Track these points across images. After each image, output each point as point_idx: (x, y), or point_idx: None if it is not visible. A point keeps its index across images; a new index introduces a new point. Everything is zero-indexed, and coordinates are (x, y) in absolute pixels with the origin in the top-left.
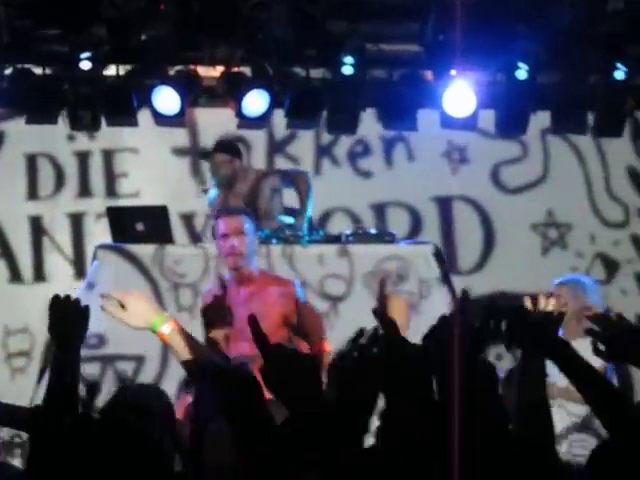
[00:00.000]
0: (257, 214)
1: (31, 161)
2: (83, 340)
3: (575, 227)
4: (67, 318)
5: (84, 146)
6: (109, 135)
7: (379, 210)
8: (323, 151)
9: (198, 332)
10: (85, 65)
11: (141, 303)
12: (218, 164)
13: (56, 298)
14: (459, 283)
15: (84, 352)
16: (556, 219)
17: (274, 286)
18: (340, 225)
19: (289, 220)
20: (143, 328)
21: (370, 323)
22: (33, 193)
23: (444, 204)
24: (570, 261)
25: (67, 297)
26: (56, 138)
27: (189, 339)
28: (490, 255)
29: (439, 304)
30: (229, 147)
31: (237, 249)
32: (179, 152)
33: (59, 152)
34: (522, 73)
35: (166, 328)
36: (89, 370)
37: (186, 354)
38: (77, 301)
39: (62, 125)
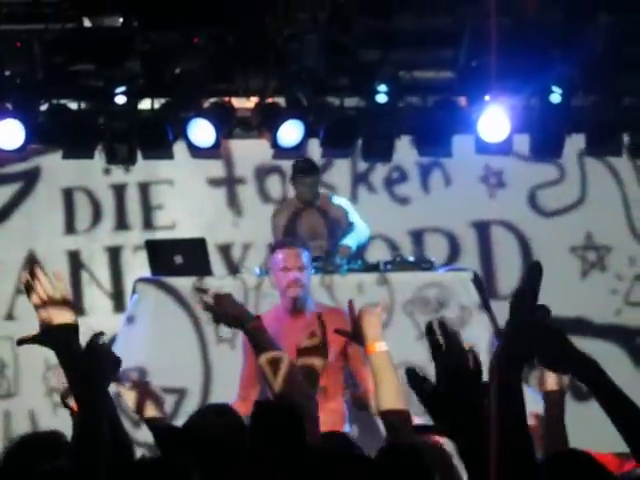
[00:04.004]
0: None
1: (68, 195)
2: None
3: (614, 249)
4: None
5: (120, 179)
6: (145, 168)
7: (417, 236)
8: (359, 179)
9: (238, 363)
10: (120, 99)
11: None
12: (312, 184)
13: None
14: (499, 308)
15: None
16: (595, 242)
17: (330, 316)
18: (378, 252)
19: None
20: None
21: (411, 351)
22: (70, 227)
23: (482, 229)
24: (610, 284)
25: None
26: (92, 172)
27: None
28: None
29: (479, 331)
30: (317, 168)
31: (300, 281)
32: (215, 183)
33: (95, 186)
34: (556, 97)
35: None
36: None
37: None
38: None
39: (98, 159)
